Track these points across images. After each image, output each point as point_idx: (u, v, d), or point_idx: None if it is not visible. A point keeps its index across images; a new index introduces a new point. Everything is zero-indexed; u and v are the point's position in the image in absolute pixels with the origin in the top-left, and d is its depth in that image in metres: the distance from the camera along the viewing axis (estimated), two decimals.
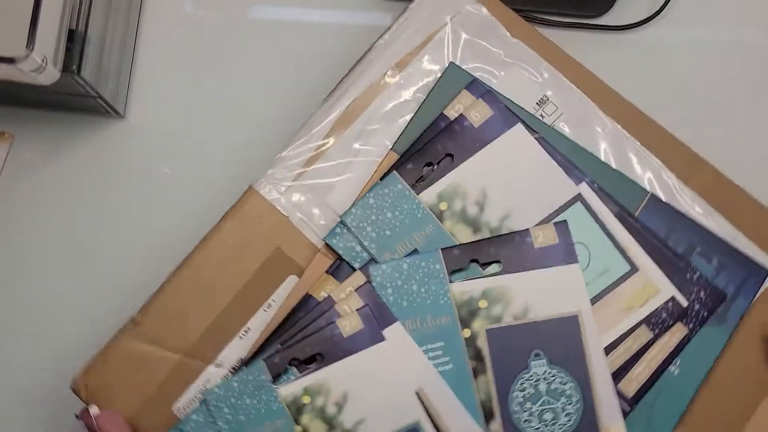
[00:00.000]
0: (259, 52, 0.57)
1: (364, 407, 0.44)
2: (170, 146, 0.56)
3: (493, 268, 0.46)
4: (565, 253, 0.46)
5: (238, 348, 0.46)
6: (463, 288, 0.45)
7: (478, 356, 0.45)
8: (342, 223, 0.46)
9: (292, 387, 0.44)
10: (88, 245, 0.55)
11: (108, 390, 0.45)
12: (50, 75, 0.45)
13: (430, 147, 0.47)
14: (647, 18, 0.56)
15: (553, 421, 0.44)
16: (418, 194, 0.46)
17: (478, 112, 0.47)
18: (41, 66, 0.44)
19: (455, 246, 0.46)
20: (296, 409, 0.44)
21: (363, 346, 0.45)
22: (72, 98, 0.53)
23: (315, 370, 0.44)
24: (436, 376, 0.44)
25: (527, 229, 0.46)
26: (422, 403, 0.44)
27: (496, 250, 0.46)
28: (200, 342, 0.46)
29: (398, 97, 0.49)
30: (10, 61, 0.42)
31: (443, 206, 0.46)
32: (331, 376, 0.44)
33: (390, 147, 0.48)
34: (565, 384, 0.45)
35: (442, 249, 0.46)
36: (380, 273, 0.45)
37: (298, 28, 0.57)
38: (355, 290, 0.45)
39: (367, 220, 0.46)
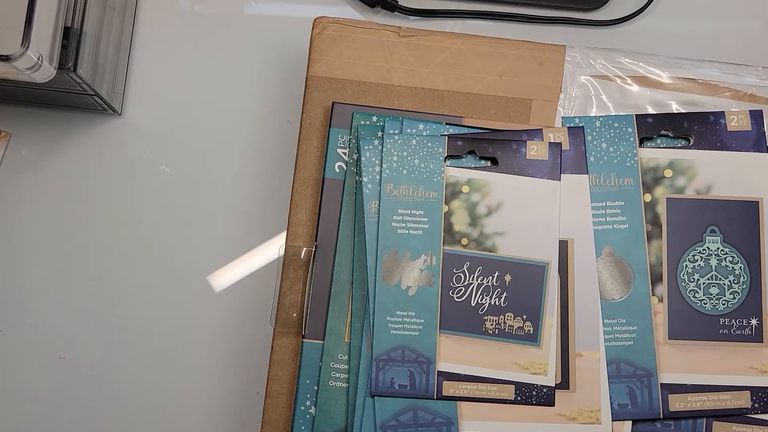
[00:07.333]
0: (255, 48, 0.56)
1: (510, 225, 0.46)
2: (168, 144, 0.56)
3: (680, 142, 0.47)
4: (755, 140, 0.46)
5: None
6: (651, 155, 0.46)
7: (655, 221, 0.46)
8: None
9: (458, 172, 0.46)
10: (85, 243, 0.55)
11: None
12: (46, 72, 0.44)
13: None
14: (635, 12, 0.56)
15: (718, 296, 0.45)
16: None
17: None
18: (37, 63, 0.43)
19: (648, 114, 0.47)
20: (452, 192, 0.46)
21: (537, 175, 0.46)
22: (68, 96, 0.52)
23: (482, 169, 0.46)
24: (589, 237, 0.46)
25: (722, 111, 0.47)
26: (565, 251, 0.45)
27: (689, 124, 0.46)
28: None
29: None
30: (5, 58, 0.41)
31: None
32: (490, 180, 0.46)
33: None
34: (736, 264, 0.45)
35: (637, 115, 0.46)
36: (577, 123, 0.47)
37: (294, 24, 0.56)
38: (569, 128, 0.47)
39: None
